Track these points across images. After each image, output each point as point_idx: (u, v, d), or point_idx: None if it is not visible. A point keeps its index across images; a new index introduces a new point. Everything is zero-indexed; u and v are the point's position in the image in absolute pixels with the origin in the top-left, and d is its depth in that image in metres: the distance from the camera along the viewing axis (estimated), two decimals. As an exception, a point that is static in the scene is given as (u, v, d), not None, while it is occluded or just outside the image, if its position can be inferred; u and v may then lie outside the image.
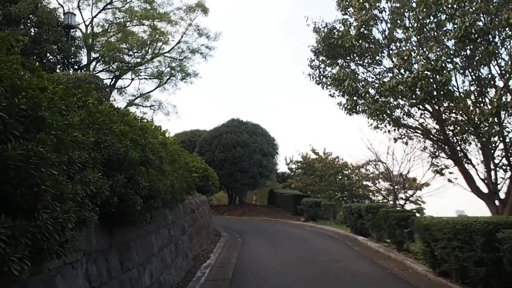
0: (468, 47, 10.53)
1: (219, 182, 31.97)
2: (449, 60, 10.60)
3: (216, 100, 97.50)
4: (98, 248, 5.35)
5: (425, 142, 15.36)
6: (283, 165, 49.96)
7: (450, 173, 15.06)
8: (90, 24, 27.06)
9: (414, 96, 10.95)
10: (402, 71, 10.88)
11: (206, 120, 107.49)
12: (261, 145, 33.24)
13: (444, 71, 9.89)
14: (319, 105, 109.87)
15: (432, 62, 9.89)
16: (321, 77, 14.56)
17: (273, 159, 35.13)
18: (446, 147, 13.57)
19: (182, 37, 30.39)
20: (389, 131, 14.32)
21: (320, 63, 14.44)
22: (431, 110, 13.10)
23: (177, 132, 41.14)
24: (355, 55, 13.47)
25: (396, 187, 23.08)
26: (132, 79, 30.22)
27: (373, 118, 12.80)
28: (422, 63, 10.04)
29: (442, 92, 10.58)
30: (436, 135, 13.76)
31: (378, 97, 11.64)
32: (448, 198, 24.05)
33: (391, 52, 12.36)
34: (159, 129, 11.12)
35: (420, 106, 12.50)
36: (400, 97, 11.82)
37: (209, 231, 16.44)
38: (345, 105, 13.62)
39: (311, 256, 13.14)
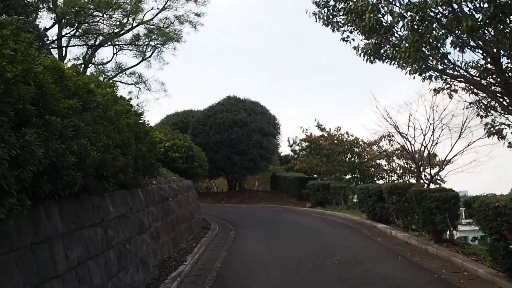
0: None
1: (217, 167, 29.22)
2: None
3: (211, 78, 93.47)
4: None
5: (475, 94, 11.68)
6: (286, 147, 46.59)
7: (512, 134, 11.57)
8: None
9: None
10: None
11: (201, 101, 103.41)
12: (261, 124, 29.92)
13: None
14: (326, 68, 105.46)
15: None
16: (331, 15, 10.83)
17: (275, 140, 31.73)
18: (505, 98, 9.98)
19: (166, 2, 26.64)
20: (430, 77, 10.70)
21: (328, -2, 10.65)
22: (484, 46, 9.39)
23: (169, 113, 38.17)
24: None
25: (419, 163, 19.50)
26: (114, 54, 26.65)
27: (408, 58, 9.02)
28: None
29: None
30: (492, 81, 10.17)
31: (419, 22, 7.95)
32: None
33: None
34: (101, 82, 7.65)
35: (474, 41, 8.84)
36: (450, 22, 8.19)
37: (192, 224, 13.05)
38: (365, 49, 9.91)
39: (323, 255, 9.93)
